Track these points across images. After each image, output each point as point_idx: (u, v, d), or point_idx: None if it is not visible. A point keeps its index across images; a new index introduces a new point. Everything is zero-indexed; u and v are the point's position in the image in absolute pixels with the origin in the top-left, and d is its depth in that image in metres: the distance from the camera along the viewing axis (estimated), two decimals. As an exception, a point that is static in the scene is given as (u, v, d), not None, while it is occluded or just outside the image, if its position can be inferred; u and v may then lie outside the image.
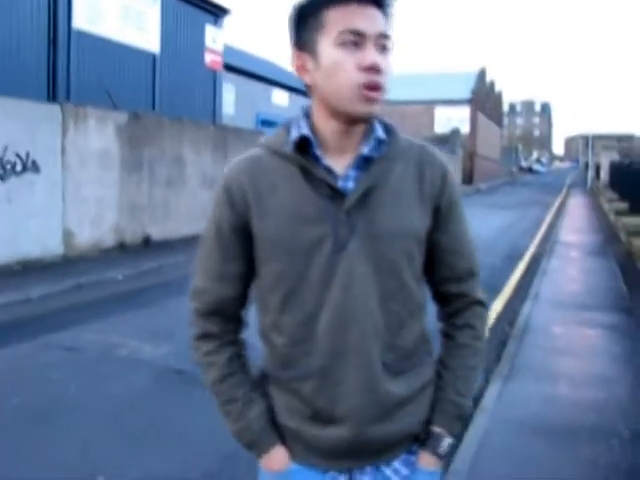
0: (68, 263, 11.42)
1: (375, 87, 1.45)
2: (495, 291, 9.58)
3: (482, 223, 20.24)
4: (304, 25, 1.51)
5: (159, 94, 18.91)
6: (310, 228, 1.51)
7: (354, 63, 1.44)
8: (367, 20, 1.45)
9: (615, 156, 42.41)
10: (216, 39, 21.82)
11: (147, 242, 13.99)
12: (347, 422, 1.53)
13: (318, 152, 1.51)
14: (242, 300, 1.66)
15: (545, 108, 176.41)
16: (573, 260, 12.38)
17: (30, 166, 11.04)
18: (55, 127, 11.56)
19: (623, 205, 22.36)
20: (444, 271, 1.65)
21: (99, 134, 12.59)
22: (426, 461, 1.60)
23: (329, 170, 1.52)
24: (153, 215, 14.27)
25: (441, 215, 1.60)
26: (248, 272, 1.61)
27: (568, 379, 5.45)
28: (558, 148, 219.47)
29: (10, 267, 10.61)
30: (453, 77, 57.30)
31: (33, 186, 11.11)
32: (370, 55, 1.44)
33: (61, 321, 7.47)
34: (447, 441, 1.61)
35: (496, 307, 8.59)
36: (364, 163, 1.54)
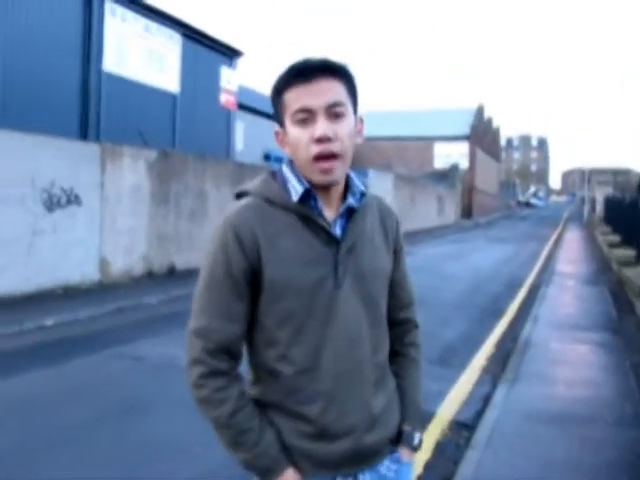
0: (104, 289, 12.40)
1: (327, 156, 1.63)
2: (499, 314, 10.65)
3: (483, 255, 21.33)
4: (276, 106, 1.73)
5: (179, 132, 20.10)
6: (313, 270, 1.68)
7: (308, 136, 1.64)
8: (314, 96, 1.63)
9: (610, 190, 43.59)
10: (230, 80, 23.09)
11: (172, 271, 15.00)
12: (350, 435, 1.72)
13: (320, 204, 1.72)
14: (244, 338, 1.75)
15: (542, 143, 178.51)
16: (569, 288, 13.43)
17: (73, 199, 12.10)
18: (95, 164, 12.65)
19: (616, 238, 23.45)
20: (394, 301, 1.94)
21: (132, 170, 13.69)
22: (407, 455, 1.87)
23: (325, 220, 1.72)
24: (178, 245, 15.30)
25: (396, 255, 1.91)
26: (250, 312, 1.72)
27: (564, 383, 6.47)
28: (555, 182, 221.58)
29: (53, 291, 11.60)
30: (452, 114, 58.60)
31: (75, 218, 12.16)
32: (319, 128, 1.62)
33: (117, 337, 8.45)
34: (418, 436, 1.90)
35: (501, 327, 9.64)
36: (347, 213, 1.77)
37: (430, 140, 55.86)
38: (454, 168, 51.71)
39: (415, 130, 56.40)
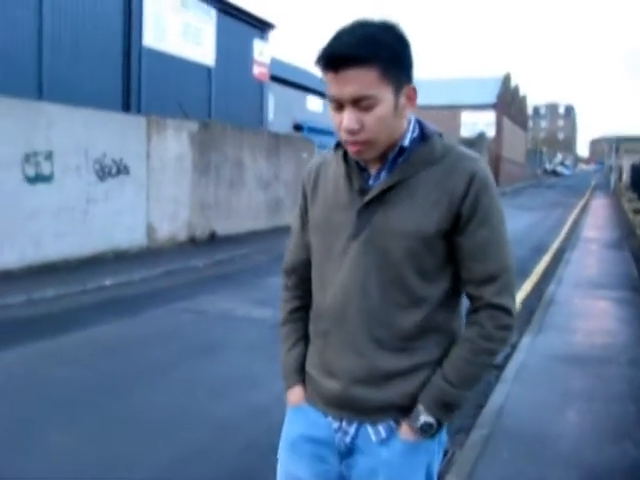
0: (151, 254, 13.23)
1: (352, 143, 1.66)
2: (525, 276, 11.31)
3: (510, 222, 21.55)
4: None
5: (214, 104, 20.80)
6: (340, 214, 1.77)
7: (338, 121, 1.65)
8: (341, 86, 1.59)
9: (638, 158, 43.57)
10: (263, 52, 23.68)
11: (213, 237, 15.81)
12: (339, 379, 1.77)
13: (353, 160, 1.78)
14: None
15: (569, 110, 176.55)
16: (593, 252, 14.04)
17: (122, 169, 12.92)
18: (142, 136, 13.43)
19: (642, 205, 23.90)
20: (464, 274, 1.74)
21: (176, 141, 14.47)
22: (403, 430, 1.74)
23: (363, 169, 1.76)
24: (218, 213, 16.11)
25: (462, 220, 1.67)
26: None
27: (583, 332, 7.17)
28: (583, 150, 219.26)
29: (105, 255, 12.46)
30: (479, 82, 58.52)
31: (124, 187, 12.98)
32: (345, 119, 1.62)
33: (175, 295, 9.28)
34: (424, 418, 1.70)
35: (526, 287, 10.33)
36: (392, 165, 1.73)
37: (457, 109, 55.92)
38: (481, 136, 51.83)
39: (442, 99, 56.42)
